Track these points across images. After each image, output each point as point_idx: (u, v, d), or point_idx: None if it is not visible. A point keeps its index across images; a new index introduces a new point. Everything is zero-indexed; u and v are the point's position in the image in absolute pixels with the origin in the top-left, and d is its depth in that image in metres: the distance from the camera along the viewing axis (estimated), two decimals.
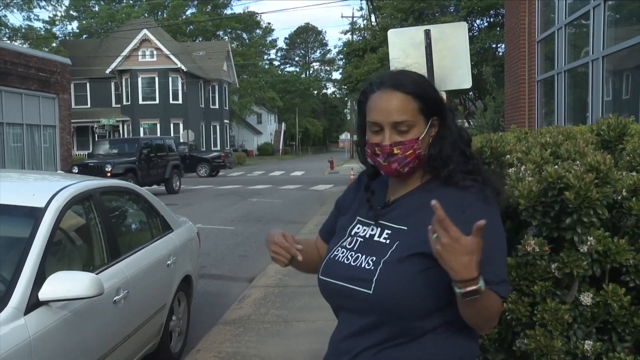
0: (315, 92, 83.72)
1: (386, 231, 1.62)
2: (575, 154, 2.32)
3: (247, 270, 8.34)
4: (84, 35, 55.62)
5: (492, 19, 17.90)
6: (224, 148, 48.36)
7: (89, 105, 42.01)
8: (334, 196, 16.07)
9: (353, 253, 1.63)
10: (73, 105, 30.29)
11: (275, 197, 18.95)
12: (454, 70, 7.61)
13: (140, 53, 40.71)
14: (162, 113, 40.82)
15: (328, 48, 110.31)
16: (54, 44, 45.94)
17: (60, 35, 52.28)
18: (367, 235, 1.64)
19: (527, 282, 2.36)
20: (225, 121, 49.25)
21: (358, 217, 1.72)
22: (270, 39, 73.90)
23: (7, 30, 46.10)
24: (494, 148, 2.48)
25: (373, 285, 1.53)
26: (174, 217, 5.15)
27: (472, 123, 15.80)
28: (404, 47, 7.78)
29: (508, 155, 2.55)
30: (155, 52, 40.62)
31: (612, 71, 8.11)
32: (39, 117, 21.05)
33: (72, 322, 3.06)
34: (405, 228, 1.59)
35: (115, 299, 3.53)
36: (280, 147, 70.64)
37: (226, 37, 59.22)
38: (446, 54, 7.56)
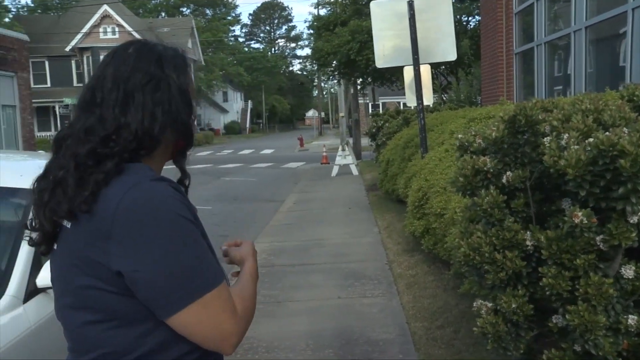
0: (282, 69, 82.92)
1: None
2: (621, 120, 2.20)
3: None
4: (38, 11, 53.70)
5: None
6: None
7: (49, 85, 40.69)
8: (307, 174, 15.93)
9: None
10: (32, 85, 29.36)
11: (248, 176, 18.69)
12: (439, 42, 7.47)
13: (101, 30, 39.54)
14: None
15: (293, 24, 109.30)
16: (7, 19, 44.24)
17: (13, 9, 50.41)
18: None
19: (568, 255, 2.25)
20: None
21: None
22: (233, 14, 72.70)
23: None
24: (529, 116, 2.34)
25: None
26: None
27: (445, 98, 15.74)
28: (387, 19, 7.61)
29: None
30: (117, 29, 39.49)
31: (594, 41, 8.08)
32: None
33: None
34: None
35: None
36: (247, 126, 69.95)
37: (189, 13, 57.99)
38: (430, 25, 7.42)
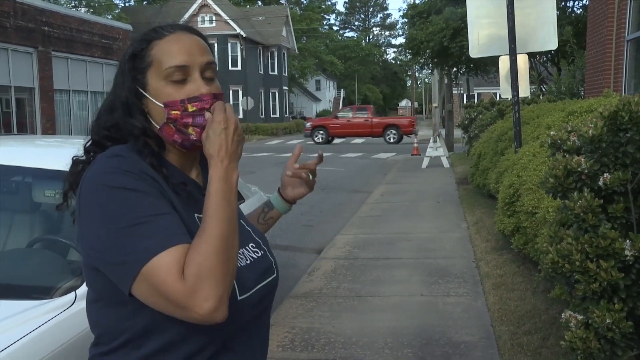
0: (377, 58, 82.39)
1: None
2: None
3: (314, 240, 8.15)
4: (145, 2, 56.12)
5: None
6: (283, 115, 48.31)
7: None
8: (397, 165, 15.72)
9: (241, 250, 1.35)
10: None
11: (337, 165, 18.69)
12: (538, 29, 7.07)
13: (199, 19, 40.81)
14: (221, 79, 39.46)
15: (388, 12, 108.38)
16: (116, 11, 46.53)
17: (121, 3, 53.00)
18: None
19: None
20: (285, 87, 49.09)
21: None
22: (328, 3, 72.94)
23: None
24: (634, 112, 2.10)
25: (275, 266, 1.44)
26: (246, 186, 4.94)
27: (544, 89, 15.02)
28: (484, 6, 7.29)
29: None
30: (214, 18, 40.65)
31: None
32: (102, 84, 21.35)
33: None
34: None
35: None
36: None
37: (284, 2, 58.74)
38: (530, 11, 7.02)
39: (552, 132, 2.34)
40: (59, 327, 2.27)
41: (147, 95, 1.28)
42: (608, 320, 2.16)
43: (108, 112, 1.32)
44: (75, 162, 1.34)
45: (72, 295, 2.43)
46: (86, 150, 1.33)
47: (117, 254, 1.12)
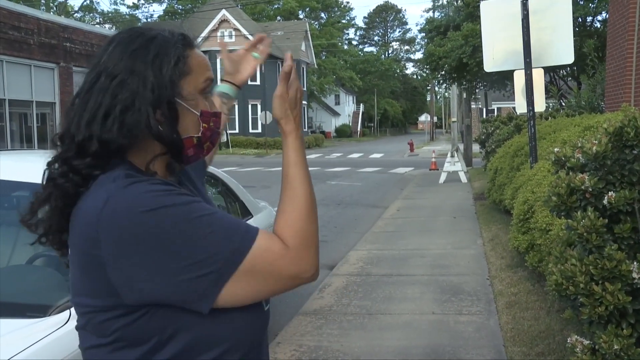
0: (396, 73, 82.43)
1: None
2: None
3: (327, 256, 8.05)
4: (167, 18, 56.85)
5: None
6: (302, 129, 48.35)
7: None
8: (414, 180, 15.59)
9: None
10: None
11: (355, 180, 18.61)
12: (554, 44, 6.96)
13: (219, 34, 41.19)
14: (239, 94, 40.96)
15: (408, 27, 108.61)
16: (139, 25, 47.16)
17: (143, 18, 53.71)
18: None
19: None
20: (303, 102, 49.21)
21: None
22: (348, 17, 73.25)
23: (96, 15, 47.86)
24: None
25: None
26: (254, 201, 4.90)
27: (564, 103, 14.83)
28: (498, 20, 7.20)
29: None
30: (233, 33, 40.99)
31: None
32: None
33: None
34: None
35: None
36: (358, 129, 70.14)
37: (304, 17, 59.09)
38: (545, 25, 6.92)
39: (556, 149, 2.26)
40: (51, 345, 2.24)
41: (185, 105, 1.16)
42: (616, 347, 2.06)
43: (123, 112, 1.10)
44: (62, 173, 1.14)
45: (66, 313, 2.39)
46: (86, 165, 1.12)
47: (200, 266, 1.03)
